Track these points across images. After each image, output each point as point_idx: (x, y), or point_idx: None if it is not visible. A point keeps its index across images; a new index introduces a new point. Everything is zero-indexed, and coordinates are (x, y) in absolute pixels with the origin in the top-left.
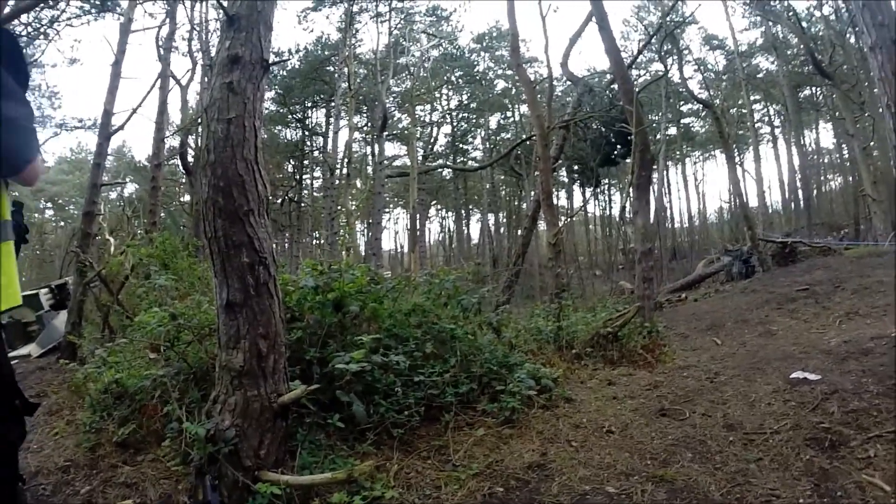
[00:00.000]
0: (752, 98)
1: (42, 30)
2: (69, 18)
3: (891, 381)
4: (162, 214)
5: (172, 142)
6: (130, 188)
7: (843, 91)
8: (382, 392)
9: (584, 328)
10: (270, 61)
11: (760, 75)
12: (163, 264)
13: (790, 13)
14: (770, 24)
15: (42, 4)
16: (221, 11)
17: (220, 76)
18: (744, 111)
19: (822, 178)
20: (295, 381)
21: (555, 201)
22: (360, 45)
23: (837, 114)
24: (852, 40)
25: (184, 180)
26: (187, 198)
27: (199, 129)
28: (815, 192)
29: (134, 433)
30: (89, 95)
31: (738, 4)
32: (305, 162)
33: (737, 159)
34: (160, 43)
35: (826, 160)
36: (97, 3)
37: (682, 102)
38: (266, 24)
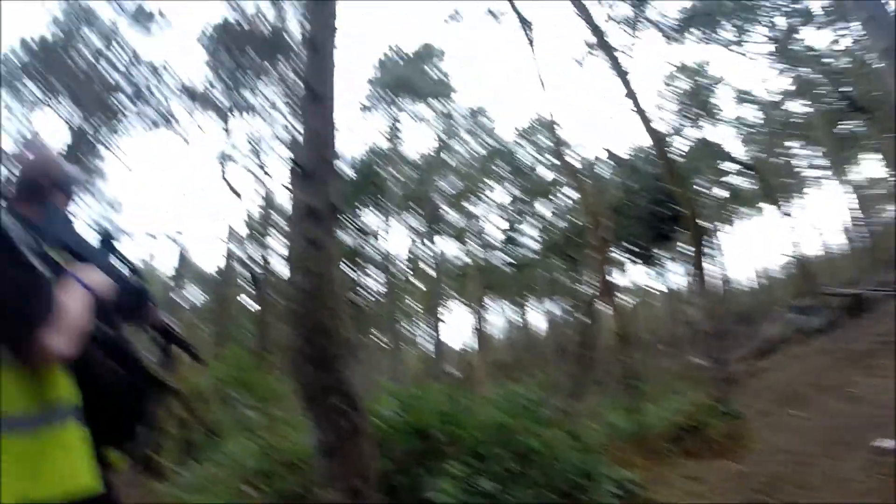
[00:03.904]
0: (792, 144)
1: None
2: (128, 131)
3: None
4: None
5: (236, 251)
6: (197, 295)
7: (881, 122)
8: None
9: (661, 421)
10: (340, 208)
11: (797, 120)
12: (238, 381)
13: (811, 52)
14: (795, 67)
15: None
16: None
17: (299, 228)
18: (787, 158)
19: (881, 210)
20: None
21: (613, 281)
22: (407, 149)
23: (881, 142)
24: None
25: (248, 288)
26: (252, 304)
27: (260, 238)
28: (874, 227)
29: None
30: (150, 204)
31: (761, 55)
32: (363, 264)
33: (789, 209)
34: (220, 160)
35: (880, 191)
36: (156, 116)
37: (723, 162)
38: (334, 172)
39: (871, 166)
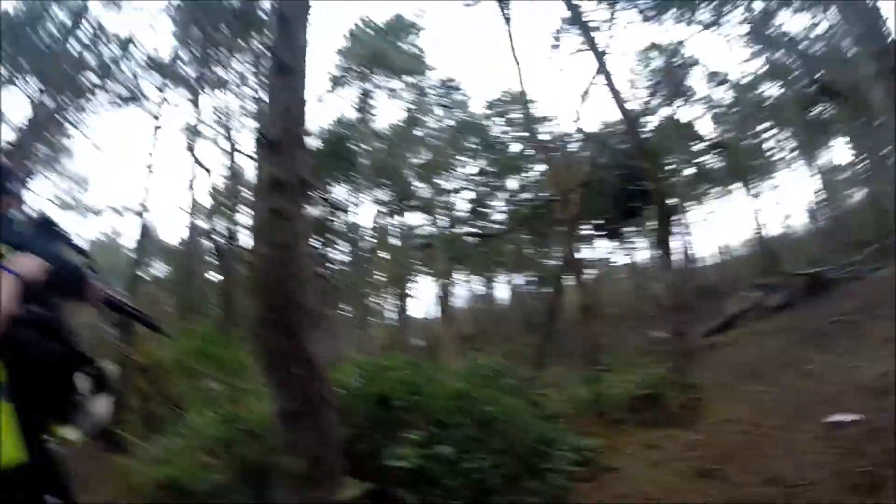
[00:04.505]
0: (762, 126)
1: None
2: (97, 108)
3: None
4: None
5: (201, 224)
6: (161, 268)
7: (852, 108)
8: (432, 481)
9: (621, 391)
10: (308, 181)
11: (768, 103)
12: (202, 354)
13: (786, 37)
14: (770, 51)
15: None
16: (260, 135)
17: (265, 200)
18: (757, 140)
19: (845, 194)
20: (349, 477)
21: (580, 256)
22: (377, 121)
23: (850, 128)
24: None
25: (213, 261)
26: (216, 276)
27: (225, 211)
28: (839, 210)
29: None
30: (117, 181)
31: (737, 37)
32: (331, 237)
33: (756, 190)
34: (186, 134)
35: (846, 175)
36: (125, 94)
37: (694, 141)
38: (301, 145)
39: (838, 151)
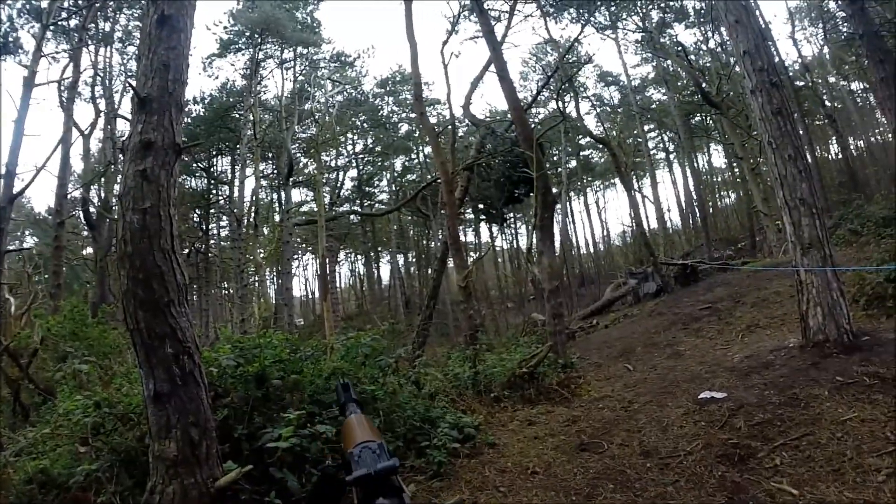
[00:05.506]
0: (646, 128)
1: None
2: None
3: (791, 391)
4: (63, 268)
5: (74, 193)
6: (30, 241)
7: (731, 118)
8: (312, 460)
9: (501, 370)
10: (182, 145)
11: (653, 106)
12: (72, 334)
13: (678, 48)
14: (660, 59)
15: None
16: (132, 91)
17: (133, 163)
18: (639, 140)
19: (717, 195)
20: (227, 460)
21: (463, 239)
22: (265, 92)
23: (727, 136)
24: (737, 69)
25: (87, 233)
26: (90, 251)
27: (102, 181)
28: (710, 209)
29: None
30: None
31: (630, 42)
32: (212, 211)
33: (636, 185)
34: (63, 91)
35: (719, 179)
36: None
37: (580, 136)
38: (177, 105)
39: (714, 156)
